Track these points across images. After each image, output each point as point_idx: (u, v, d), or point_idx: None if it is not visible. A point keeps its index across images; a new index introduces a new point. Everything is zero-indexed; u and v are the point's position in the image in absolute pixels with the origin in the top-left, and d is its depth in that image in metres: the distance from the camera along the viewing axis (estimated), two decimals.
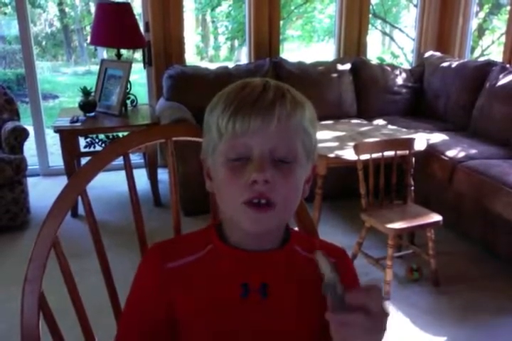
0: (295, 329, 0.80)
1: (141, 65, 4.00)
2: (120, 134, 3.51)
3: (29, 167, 3.18)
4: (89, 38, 4.17)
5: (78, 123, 3.20)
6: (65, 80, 9.20)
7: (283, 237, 0.81)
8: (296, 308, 0.79)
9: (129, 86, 3.46)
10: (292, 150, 0.73)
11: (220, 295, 0.78)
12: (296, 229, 1.00)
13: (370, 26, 4.67)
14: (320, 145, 2.87)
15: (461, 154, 3.07)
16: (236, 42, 10.06)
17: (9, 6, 8.49)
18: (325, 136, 3.11)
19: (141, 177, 3.65)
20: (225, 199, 0.75)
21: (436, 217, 2.44)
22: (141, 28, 3.58)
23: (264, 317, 0.78)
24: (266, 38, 4.02)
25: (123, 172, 1.01)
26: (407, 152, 2.56)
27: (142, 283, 0.80)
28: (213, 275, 0.78)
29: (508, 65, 3.53)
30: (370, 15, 4.69)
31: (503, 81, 3.37)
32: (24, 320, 0.88)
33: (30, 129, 3.52)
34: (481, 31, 6.85)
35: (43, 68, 9.10)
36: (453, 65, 3.85)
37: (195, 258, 0.79)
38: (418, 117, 3.93)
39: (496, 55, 6.19)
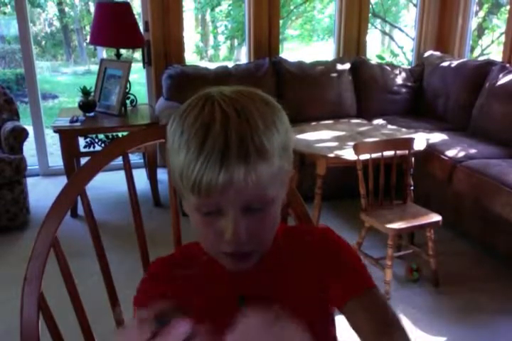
0: None
1: (141, 64, 4.00)
2: (120, 134, 3.51)
3: (29, 167, 3.18)
4: (88, 37, 4.17)
5: (78, 123, 3.20)
6: (64, 80, 9.19)
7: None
8: (295, 310, 0.80)
9: (128, 85, 3.45)
10: (267, 197, 0.68)
11: (217, 305, 0.78)
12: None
13: (369, 26, 4.67)
14: (320, 145, 2.88)
15: (461, 154, 3.07)
16: (236, 42, 10.06)
17: (9, 6, 8.49)
18: (325, 135, 3.11)
19: (140, 177, 3.65)
20: (202, 242, 0.74)
21: (436, 217, 2.44)
22: (141, 28, 3.58)
23: None
24: (265, 38, 4.02)
25: (122, 172, 1.01)
26: (407, 152, 2.56)
27: (149, 276, 0.83)
28: (211, 287, 0.79)
29: (507, 65, 3.52)
30: (370, 15, 4.68)
31: (502, 80, 3.37)
32: (24, 320, 0.87)
33: (30, 129, 3.52)
34: (480, 31, 6.85)
35: (43, 68, 9.09)
36: (453, 65, 3.85)
37: (193, 272, 0.80)
38: (418, 117, 3.93)
39: (496, 54, 6.20)
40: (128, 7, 3.40)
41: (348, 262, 0.80)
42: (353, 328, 0.77)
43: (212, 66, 3.88)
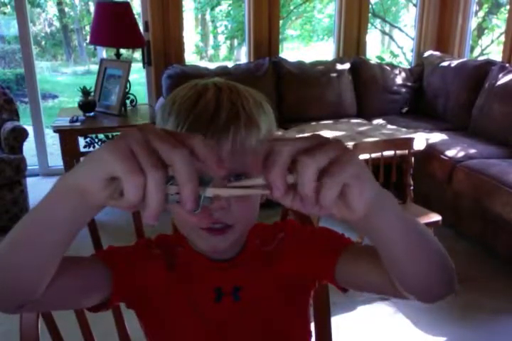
0: (268, 328, 0.81)
1: (141, 64, 4.00)
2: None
3: (29, 167, 3.18)
4: (88, 37, 4.17)
5: (78, 123, 3.20)
6: (64, 80, 9.19)
7: (244, 240, 0.81)
8: (269, 307, 0.81)
9: (128, 85, 3.45)
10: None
11: (193, 299, 0.79)
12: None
13: (369, 25, 4.67)
14: None
15: (461, 154, 3.07)
16: (235, 42, 10.06)
17: (8, 6, 8.48)
18: (324, 135, 3.11)
19: None
20: (179, 220, 0.75)
21: (436, 217, 2.45)
22: (141, 28, 3.58)
23: (238, 319, 0.80)
24: (265, 38, 4.02)
25: None
26: (407, 152, 2.56)
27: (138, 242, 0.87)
28: (187, 278, 0.80)
29: (507, 65, 3.52)
30: (370, 15, 4.69)
31: (502, 80, 3.37)
32: (23, 321, 0.87)
33: (30, 129, 3.52)
34: (480, 30, 6.85)
35: (43, 68, 9.09)
36: (452, 65, 3.85)
37: (168, 262, 0.81)
38: (417, 117, 3.93)
39: (496, 54, 6.19)
40: (128, 7, 3.40)
41: (320, 239, 0.82)
42: (364, 285, 0.76)
43: (212, 66, 3.88)
